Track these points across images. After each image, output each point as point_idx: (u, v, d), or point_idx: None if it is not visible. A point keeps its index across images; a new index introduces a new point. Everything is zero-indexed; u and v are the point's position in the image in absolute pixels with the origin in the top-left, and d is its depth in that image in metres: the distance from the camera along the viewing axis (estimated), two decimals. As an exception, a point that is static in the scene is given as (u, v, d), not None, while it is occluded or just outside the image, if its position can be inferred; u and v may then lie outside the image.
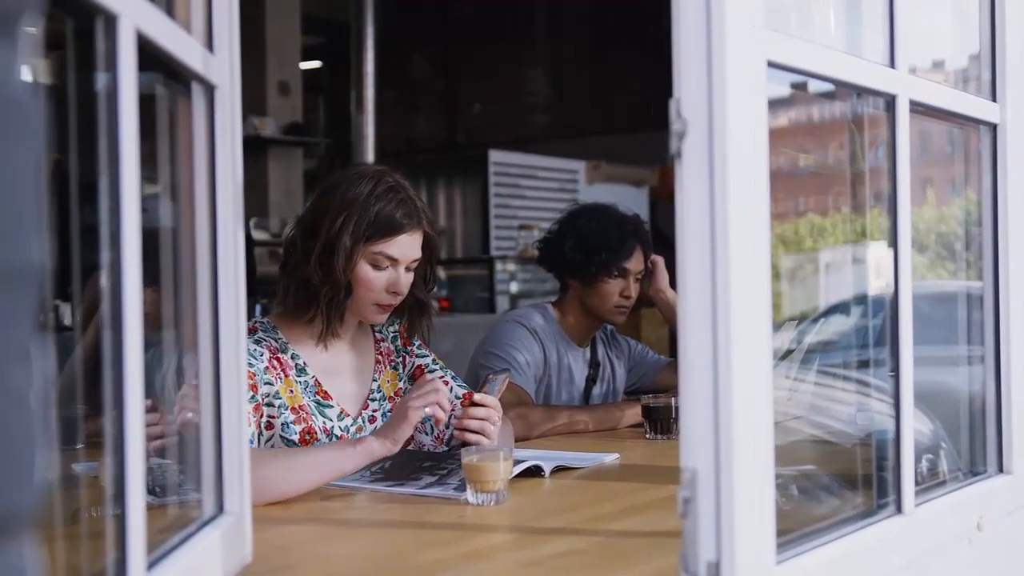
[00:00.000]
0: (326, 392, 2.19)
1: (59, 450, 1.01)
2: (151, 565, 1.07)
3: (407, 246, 2.17)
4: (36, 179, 0.53)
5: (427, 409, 1.95)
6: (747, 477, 1.14)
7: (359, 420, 2.23)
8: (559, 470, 2.13)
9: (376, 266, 2.15)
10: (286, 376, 2.14)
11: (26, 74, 0.54)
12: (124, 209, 0.98)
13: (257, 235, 6.83)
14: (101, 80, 0.98)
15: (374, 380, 2.30)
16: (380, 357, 2.33)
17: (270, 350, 2.13)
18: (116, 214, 0.97)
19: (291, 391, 2.14)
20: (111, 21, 0.96)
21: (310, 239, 2.15)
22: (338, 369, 2.24)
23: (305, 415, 2.13)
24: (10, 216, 0.50)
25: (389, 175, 2.19)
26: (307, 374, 2.18)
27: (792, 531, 1.29)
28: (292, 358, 2.17)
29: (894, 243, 1.48)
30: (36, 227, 0.52)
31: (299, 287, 2.16)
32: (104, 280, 0.98)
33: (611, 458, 2.29)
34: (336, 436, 2.17)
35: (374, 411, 2.27)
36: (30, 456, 0.53)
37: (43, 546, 0.68)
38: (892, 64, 1.47)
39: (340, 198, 2.14)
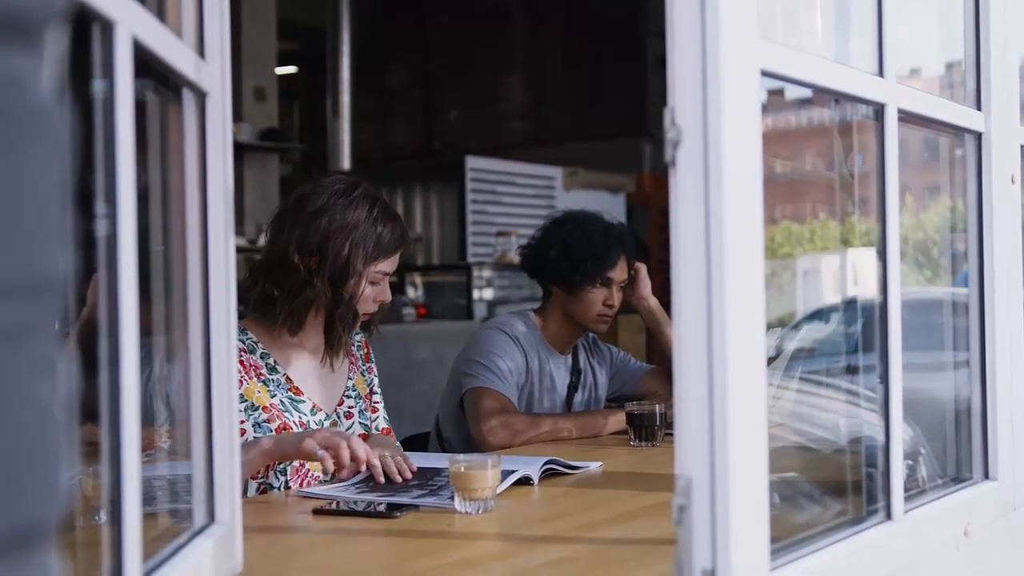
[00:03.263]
0: (298, 388, 2.25)
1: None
2: (145, 575, 1.06)
3: (397, 261, 2.30)
4: (62, 189, 0.53)
5: (320, 452, 1.93)
6: (742, 484, 1.14)
7: (334, 415, 2.31)
8: (548, 475, 2.14)
9: (373, 283, 2.25)
10: (251, 378, 2.18)
11: (51, 84, 0.54)
12: (120, 216, 0.97)
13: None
14: (97, 86, 0.97)
15: (349, 379, 2.37)
16: (353, 359, 2.41)
17: None
18: (113, 220, 0.96)
19: (258, 392, 2.18)
20: (108, 28, 0.96)
21: (309, 259, 2.19)
22: (312, 369, 2.30)
23: (277, 412, 2.18)
24: (36, 226, 0.50)
25: (374, 193, 2.29)
26: (278, 372, 2.23)
27: (785, 538, 1.29)
28: (262, 358, 2.23)
29: (883, 250, 1.49)
30: (61, 238, 0.52)
31: (303, 307, 2.21)
32: (100, 286, 0.97)
33: (595, 466, 2.30)
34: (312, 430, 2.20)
35: (350, 407, 2.35)
36: (56, 467, 0.53)
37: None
38: (880, 73, 1.48)
39: (340, 222, 2.20)
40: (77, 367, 1.05)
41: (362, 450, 1.97)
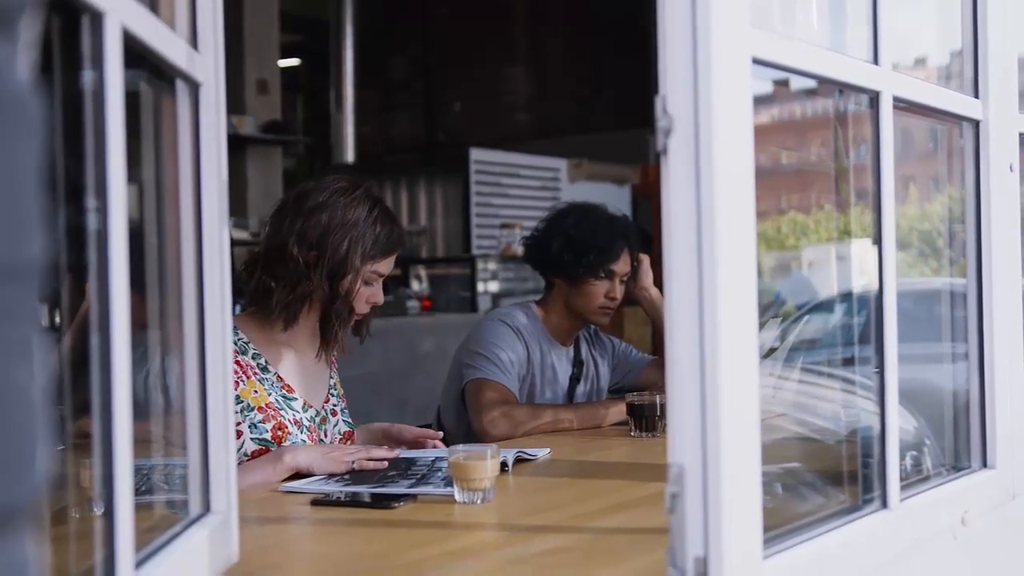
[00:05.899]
0: (289, 386, 2.27)
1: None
2: (138, 564, 1.06)
3: (393, 263, 2.31)
4: (37, 176, 0.53)
5: (355, 465, 2.10)
6: (734, 472, 1.14)
7: (322, 412, 2.34)
8: (518, 462, 2.18)
9: (367, 283, 2.26)
10: (248, 377, 2.20)
11: (26, 71, 0.54)
12: (111, 208, 0.97)
13: (236, 235, 6.79)
14: (87, 77, 0.97)
15: (331, 378, 2.41)
16: (333, 359, 2.44)
17: None
18: (103, 213, 0.96)
19: (255, 391, 2.20)
20: (97, 19, 0.96)
21: (308, 253, 2.20)
22: (299, 366, 2.32)
23: (273, 412, 2.21)
24: (13, 212, 0.50)
25: (375, 195, 2.30)
26: (270, 372, 2.25)
27: (779, 526, 1.29)
28: (253, 358, 2.24)
29: (878, 240, 1.48)
30: (38, 223, 0.53)
31: (299, 301, 2.22)
32: (91, 280, 0.97)
33: (544, 453, 2.32)
34: (305, 427, 2.25)
35: (334, 406, 2.39)
36: (32, 451, 0.53)
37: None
38: (876, 61, 1.47)
39: (340, 219, 2.21)
40: (75, 361, 1.06)
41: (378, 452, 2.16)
